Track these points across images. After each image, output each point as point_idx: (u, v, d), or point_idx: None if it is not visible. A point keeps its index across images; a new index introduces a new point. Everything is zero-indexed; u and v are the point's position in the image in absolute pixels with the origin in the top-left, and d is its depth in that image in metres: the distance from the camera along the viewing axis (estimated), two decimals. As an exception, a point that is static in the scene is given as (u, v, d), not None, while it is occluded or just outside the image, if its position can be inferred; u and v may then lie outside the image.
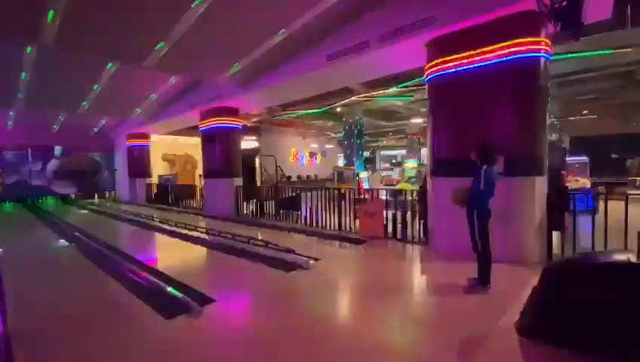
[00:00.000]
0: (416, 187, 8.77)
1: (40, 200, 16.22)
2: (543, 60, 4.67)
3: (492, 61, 4.75)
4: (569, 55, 8.38)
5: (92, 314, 3.41)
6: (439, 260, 5.01)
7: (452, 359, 2.47)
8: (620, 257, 2.46)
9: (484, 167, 3.74)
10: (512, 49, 4.62)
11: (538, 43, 4.62)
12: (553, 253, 4.74)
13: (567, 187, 5.81)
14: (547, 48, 4.72)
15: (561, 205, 4.79)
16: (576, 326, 2.41)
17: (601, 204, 4.76)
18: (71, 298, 3.91)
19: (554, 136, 16.00)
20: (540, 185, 4.74)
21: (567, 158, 12.12)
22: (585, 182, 12.02)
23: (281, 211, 9.11)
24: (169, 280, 4.24)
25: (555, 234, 4.86)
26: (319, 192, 8.08)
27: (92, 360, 2.58)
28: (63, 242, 7.30)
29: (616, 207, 4.51)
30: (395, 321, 3.12)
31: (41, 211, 13.13)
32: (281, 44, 6.79)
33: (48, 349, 2.74)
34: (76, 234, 7.87)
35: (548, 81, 4.90)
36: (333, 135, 23.88)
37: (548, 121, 4.98)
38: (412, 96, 12.45)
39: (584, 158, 13.08)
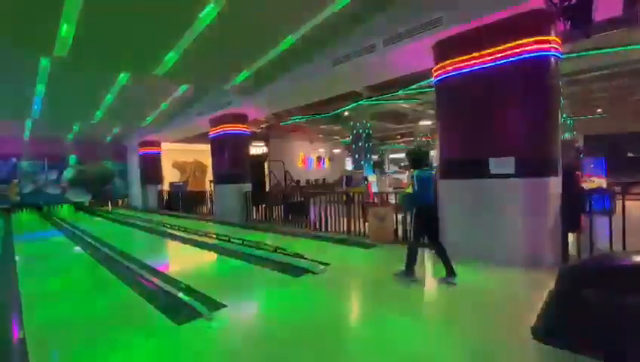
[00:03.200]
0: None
1: (55, 208, 16.60)
2: (553, 59, 4.60)
3: (501, 61, 4.70)
4: (580, 53, 8.25)
5: (105, 318, 3.47)
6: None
7: (466, 365, 2.42)
8: (638, 258, 2.39)
9: (415, 171, 4.08)
10: (521, 49, 4.57)
11: (547, 42, 4.55)
12: (569, 255, 4.62)
13: (583, 187, 5.67)
14: (557, 47, 4.64)
15: (576, 206, 4.68)
16: (594, 330, 2.33)
17: (618, 204, 4.63)
18: (84, 302, 3.97)
19: (567, 136, 15.68)
20: (554, 185, 4.64)
21: (581, 158, 11.86)
22: (601, 182, 11.73)
23: (290, 216, 9.12)
24: (180, 286, 4.29)
25: (571, 236, 4.74)
26: (328, 197, 8.07)
27: (106, 366, 2.61)
28: (77, 248, 7.46)
29: (633, 206, 4.37)
30: (409, 327, 3.07)
31: (57, 218, 13.44)
32: (288, 50, 6.85)
33: (62, 353, 2.79)
34: (89, 240, 8.03)
35: (559, 80, 4.82)
36: (341, 139, 23.90)
37: (560, 121, 4.89)
38: (419, 99, 12.40)
39: (599, 158, 12.77)
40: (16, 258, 6.60)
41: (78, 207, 17.21)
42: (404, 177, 15.42)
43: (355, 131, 16.11)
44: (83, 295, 4.35)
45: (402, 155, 30.77)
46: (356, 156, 16.32)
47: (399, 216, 6.52)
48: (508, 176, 4.67)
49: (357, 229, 7.12)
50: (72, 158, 17.01)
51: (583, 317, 2.43)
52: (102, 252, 6.76)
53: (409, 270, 4.18)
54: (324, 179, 22.36)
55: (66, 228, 10.69)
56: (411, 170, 4.19)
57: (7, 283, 4.85)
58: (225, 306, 3.57)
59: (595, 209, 4.76)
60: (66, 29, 5.50)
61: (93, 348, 2.82)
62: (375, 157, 25.32)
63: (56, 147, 16.29)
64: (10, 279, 5.07)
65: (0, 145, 14.75)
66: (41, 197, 16.16)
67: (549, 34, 4.56)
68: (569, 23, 4.49)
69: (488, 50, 4.79)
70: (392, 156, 31.11)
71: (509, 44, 4.64)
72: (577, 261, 4.02)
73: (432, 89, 5.95)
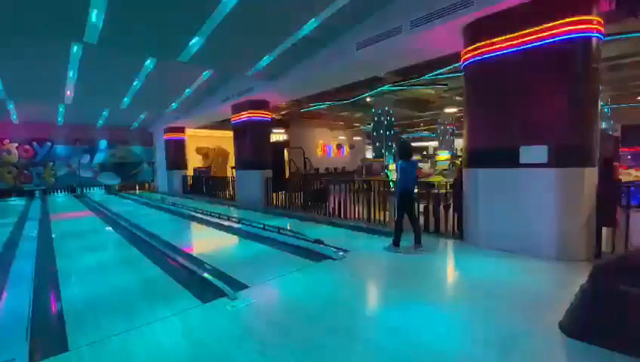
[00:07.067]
0: (449, 179, 8.47)
1: (88, 190, 17.51)
2: (594, 41, 4.28)
3: (537, 43, 4.42)
4: (624, 35, 7.67)
5: (134, 295, 3.65)
6: (472, 253, 4.82)
7: (490, 358, 2.38)
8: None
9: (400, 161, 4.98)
10: (559, 29, 4.27)
11: (589, 22, 4.23)
12: (603, 251, 4.41)
13: (620, 179, 5.35)
14: (599, 27, 4.32)
15: (612, 199, 4.42)
16: (628, 328, 2.22)
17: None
18: (114, 279, 4.19)
19: (605, 125, 14.78)
20: (590, 176, 4.39)
21: (619, 149, 11.16)
22: (639, 175, 11.03)
23: (310, 203, 9.17)
24: (205, 266, 4.44)
25: (606, 231, 4.50)
26: (347, 185, 8.04)
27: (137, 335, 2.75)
28: (108, 228, 7.85)
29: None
30: (426, 314, 3.04)
31: (90, 200, 14.16)
32: (310, 34, 6.75)
33: (98, 326, 2.96)
34: (119, 220, 8.43)
35: (599, 64, 4.49)
36: (361, 126, 23.59)
37: (599, 108, 4.59)
38: (446, 84, 11.97)
39: (638, 149, 11.99)
40: (53, 236, 7.03)
41: (109, 189, 18.08)
42: (427, 166, 15.09)
43: (376, 118, 15.82)
44: (114, 272, 4.59)
45: (425, 144, 30.12)
46: (377, 144, 16.08)
47: (421, 206, 6.41)
48: (540, 165, 4.46)
49: (377, 217, 7.07)
50: (103, 143, 17.78)
51: (620, 314, 2.32)
52: (131, 232, 7.08)
53: (397, 242, 5.04)
54: (343, 167, 22.27)
55: (97, 209, 11.24)
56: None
57: (45, 260, 5.18)
58: (247, 287, 3.68)
59: (633, 203, 4.48)
60: (95, 16, 5.64)
61: (122, 324, 2.98)
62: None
63: (88, 132, 17.07)
64: (47, 256, 5.42)
65: (36, 129, 15.62)
66: (75, 180, 17.04)
67: (590, 13, 4.24)
68: (614, 1, 4.17)
69: (523, 32, 4.52)
70: (414, 145, 30.48)
71: (545, 25, 4.35)
72: (614, 255, 3.84)
73: (459, 74, 5.72)
